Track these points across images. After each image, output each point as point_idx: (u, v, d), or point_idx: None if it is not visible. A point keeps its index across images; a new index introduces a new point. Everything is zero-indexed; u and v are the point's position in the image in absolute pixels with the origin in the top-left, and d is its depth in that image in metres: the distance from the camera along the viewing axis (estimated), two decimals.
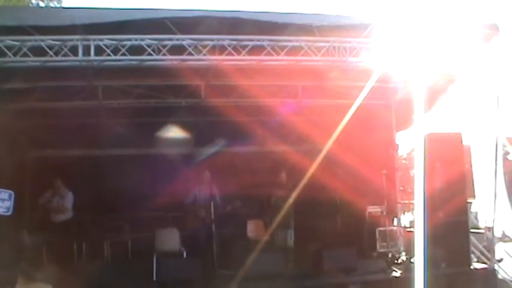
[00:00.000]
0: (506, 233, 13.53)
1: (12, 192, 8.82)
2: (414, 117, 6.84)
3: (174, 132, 14.64)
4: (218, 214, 12.44)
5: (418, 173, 6.57)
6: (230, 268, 11.43)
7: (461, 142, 12.04)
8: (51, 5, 25.23)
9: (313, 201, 15.06)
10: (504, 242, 12.97)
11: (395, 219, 13.82)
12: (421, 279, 6.22)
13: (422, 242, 6.46)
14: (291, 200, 13.08)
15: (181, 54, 9.89)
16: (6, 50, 9.02)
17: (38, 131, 14.02)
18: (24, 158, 14.62)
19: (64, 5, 25.94)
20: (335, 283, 11.17)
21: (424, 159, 6.77)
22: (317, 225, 14.26)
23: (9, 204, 8.73)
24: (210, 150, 15.10)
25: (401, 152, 14.78)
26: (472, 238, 12.10)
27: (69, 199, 13.01)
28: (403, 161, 14.68)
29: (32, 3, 24.76)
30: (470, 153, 13.29)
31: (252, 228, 13.34)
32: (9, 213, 8.84)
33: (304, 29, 10.33)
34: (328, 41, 10.34)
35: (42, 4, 25.12)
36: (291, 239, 12.65)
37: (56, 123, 13.56)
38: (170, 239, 12.30)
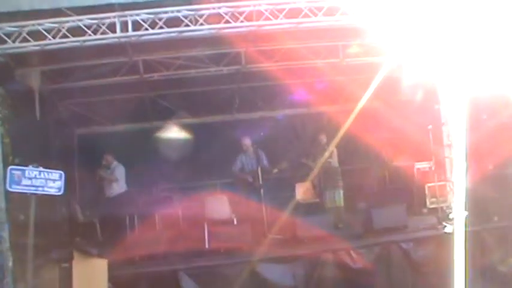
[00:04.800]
0: None
1: (62, 172, 8.95)
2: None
3: (216, 101, 14.73)
4: (266, 179, 12.47)
5: (457, 127, 6.50)
6: (281, 232, 11.53)
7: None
8: None
9: (360, 161, 15.05)
10: None
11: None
12: (462, 234, 6.20)
13: (461, 196, 6.44)
14: (337, 161, 13.08)
15: (218, 22, 9.83)
16: (45, 33, 9.12)
17: (83, 109, 14.30)
18: (71, 137, 14.87)
19: None
20: (386, 241, 11.17)
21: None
22: (365, 184, 14.26)
23: (60, 184, 8.87)
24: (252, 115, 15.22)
25: None
26: None
27: (119, 171, 13.27)
28: None
29: None
30: None
31: (300, 191, 13.34)
32: (60, 192, 8.98)
33: None
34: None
35: None
36: (340, 199, 12.60)
37: (100, 100, 13.76)
38: (220, 207, 12.41)
